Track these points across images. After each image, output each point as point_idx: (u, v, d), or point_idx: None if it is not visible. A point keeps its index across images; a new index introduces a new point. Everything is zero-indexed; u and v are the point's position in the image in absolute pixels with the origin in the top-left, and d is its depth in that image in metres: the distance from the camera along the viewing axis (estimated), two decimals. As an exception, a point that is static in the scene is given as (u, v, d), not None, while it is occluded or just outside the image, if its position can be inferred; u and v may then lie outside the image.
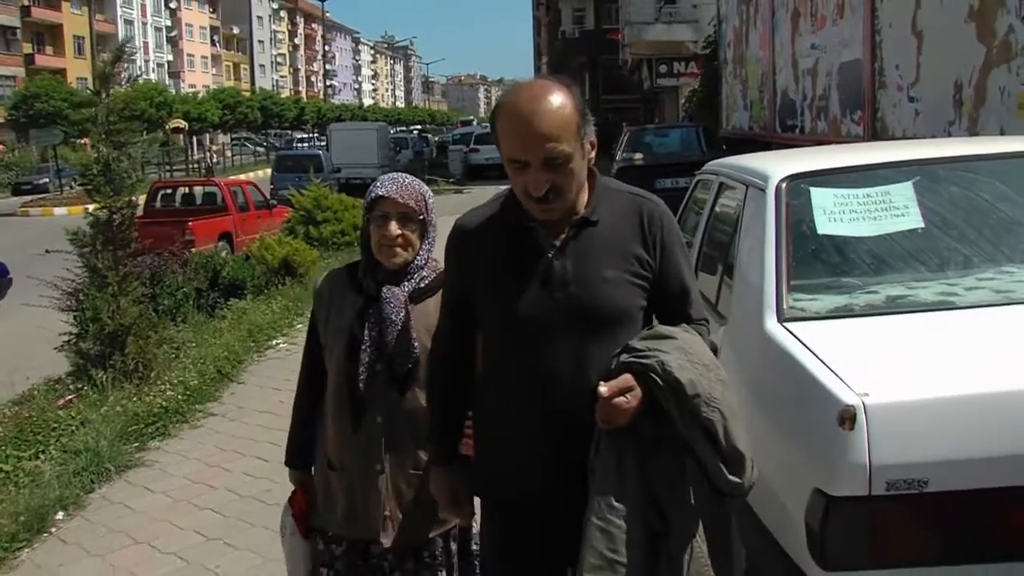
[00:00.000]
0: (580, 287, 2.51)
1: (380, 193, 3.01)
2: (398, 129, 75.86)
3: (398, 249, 3.02)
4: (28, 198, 41.46)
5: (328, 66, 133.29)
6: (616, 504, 2.36)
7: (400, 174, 3.14)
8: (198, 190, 21.05)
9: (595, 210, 2.58)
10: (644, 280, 2.57)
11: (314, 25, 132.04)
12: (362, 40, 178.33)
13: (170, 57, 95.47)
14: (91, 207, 8.63)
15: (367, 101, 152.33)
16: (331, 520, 3.17)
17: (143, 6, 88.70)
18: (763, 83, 16.22)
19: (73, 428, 7.40)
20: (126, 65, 8.63)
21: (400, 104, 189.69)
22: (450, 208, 23.93)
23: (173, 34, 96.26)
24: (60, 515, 6.10)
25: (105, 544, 5.68)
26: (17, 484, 6.50)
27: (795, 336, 3.14)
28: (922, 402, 2.65)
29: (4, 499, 6.17)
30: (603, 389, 2.33)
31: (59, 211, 35.97)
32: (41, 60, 70.03)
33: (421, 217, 3.05)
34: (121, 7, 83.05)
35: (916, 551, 2.67)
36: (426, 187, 3.12)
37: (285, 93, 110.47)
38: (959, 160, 4.01)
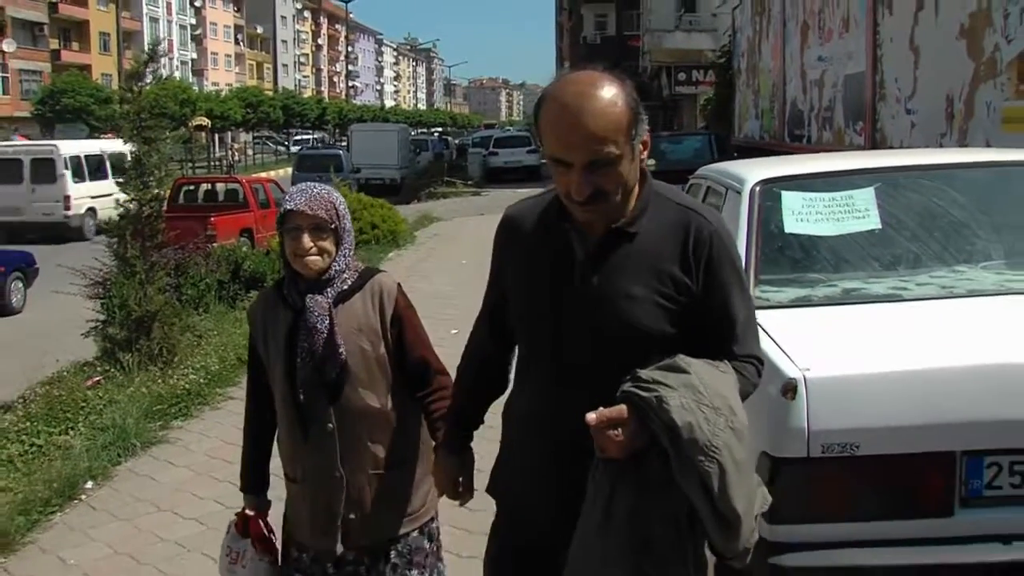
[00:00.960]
0: (601, 302, 2.33)
1: (289, 207, 3.00)
2: (419, 131, 76.33)
3: (314, 258, 3.01)
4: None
5: (350, 67, 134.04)
6: (596, 539, 2.22)
7: (311, 184, 3.12)
8: (220, 187, 21.50)
9: (636, 220, 2.35)
10: (677, 304, 2.32)
11: (337, 26, 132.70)
12: (385, 41, 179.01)
13: (194, 55, 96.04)
14: (121, 198, 9.10)
15: (389, 102, 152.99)
16: (299, 531, 3.21)
17: (168, 4, 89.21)
18: (774, 93, 16.59)
19: (101, 407, 7.83)
20: (155, 65, 9.05)
21: (422, 106, 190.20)
22: (468, 209, 24.20)
23: (197, 32, 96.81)
24: (89, 484, 6.52)
25: (131, 510, 6.10)
26: (48, 456, 6.93)
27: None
28: (856, 377, 3.06)
29: (37, 469, 6.60)
30: (591, 417, 2.12)
31: (81, 205, 36.39)
32: (67, 56, 70.61)
33: (333, 226, 3.03)
34: (147, 5, 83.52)
35: (848, 508, 3.07)
36: (337, 194, 3.11)
37: (307, 93, 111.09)
38: (917, 169, 4.41)
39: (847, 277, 3.86)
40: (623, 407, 2.15)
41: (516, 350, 2.66)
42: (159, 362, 8.73)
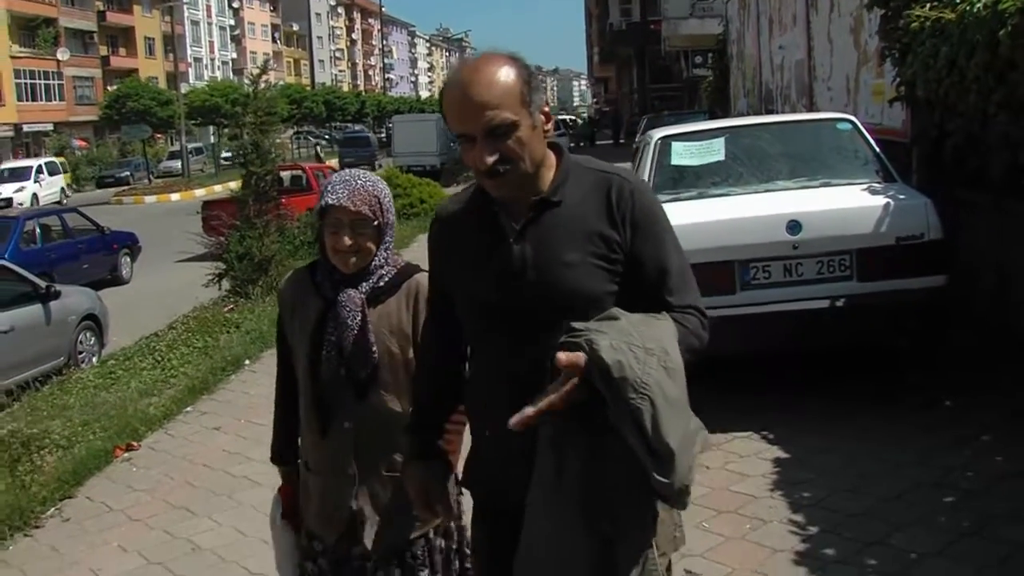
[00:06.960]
0: (540, 273, 2.35)
1: (331, 201, 2.83)
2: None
3: (352, 258, 2.89)
4: (113, 190, 45.29)
5: (385, 60, 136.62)
6: (551, 510, 2.26)
7: (354, 174, 2.95)
8: (285, 174, 24.77)
9: (558, 189, 2.38)
10: (612, 263, 2.35)
11: (371, 20, 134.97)
12: (418, 33, 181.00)
13: (234, 55, 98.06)
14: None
15: (424, 93, 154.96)
16: (308, 518, 3.12)
17: (208, 7, 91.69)
18: (754, 75, 19.61)
19: (239, 322, 11.10)
20: (267, 76, 12.31)
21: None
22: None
23: (236, 33, 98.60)
24: (247, 362, 9.76)
25: (281, 372, 9.29)
26: (209, 355, 10.13)
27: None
28: (684, 224, 6.12)
29: (209, 358, 9.80)
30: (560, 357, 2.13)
31: (149, 199, 39.74)
32: (115, 61, 72.83)
33: (376, 222, 2.89)
34: (188, 8, 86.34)
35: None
36: (382, 185, 2.95)
37: (344, 87, 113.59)
38: (748, 127, 7.58)
39: (702, 186, 6.95)
40: (580, 354, 2.15)
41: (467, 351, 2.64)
42: (276, 292, 11.94)
